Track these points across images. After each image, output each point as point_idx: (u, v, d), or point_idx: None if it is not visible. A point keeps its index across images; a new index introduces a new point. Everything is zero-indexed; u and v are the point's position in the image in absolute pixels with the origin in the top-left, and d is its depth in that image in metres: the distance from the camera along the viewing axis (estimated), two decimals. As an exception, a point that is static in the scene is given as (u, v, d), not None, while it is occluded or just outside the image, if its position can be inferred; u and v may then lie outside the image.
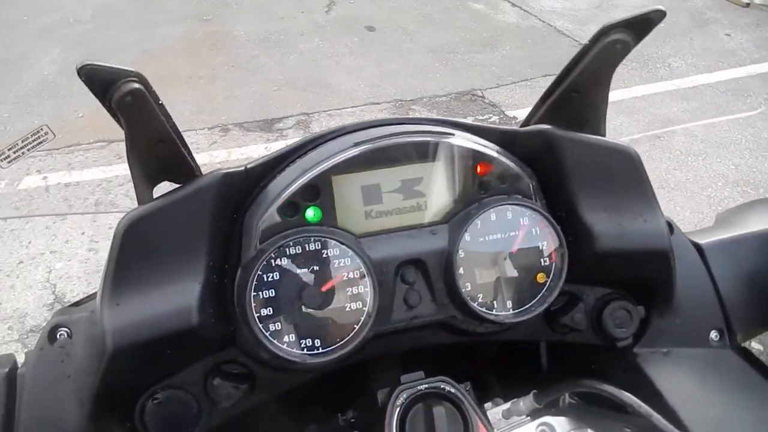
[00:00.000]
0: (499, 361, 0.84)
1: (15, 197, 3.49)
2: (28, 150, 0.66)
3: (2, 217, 3.31)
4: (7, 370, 0.63)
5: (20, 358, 0.67)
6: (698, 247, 0.78)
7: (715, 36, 5.43)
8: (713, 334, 0.76)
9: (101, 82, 0.53)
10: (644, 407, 0.55)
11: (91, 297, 0.71)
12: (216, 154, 3.79)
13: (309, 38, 5.32)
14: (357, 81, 4.67)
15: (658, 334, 0.74)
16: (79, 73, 0.52)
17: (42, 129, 0.66)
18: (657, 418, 0.54)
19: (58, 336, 0.64)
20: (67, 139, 3.91)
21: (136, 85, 0.53)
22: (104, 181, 3.61)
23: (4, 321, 2.69)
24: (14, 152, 0.65)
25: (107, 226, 3.27)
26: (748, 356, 0.77)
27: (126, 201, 3.46)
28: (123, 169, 3.64)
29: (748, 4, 5.92)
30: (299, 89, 4.54)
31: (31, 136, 0.66)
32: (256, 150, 3.84)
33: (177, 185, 0.64)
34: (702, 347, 0.75)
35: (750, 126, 4.15)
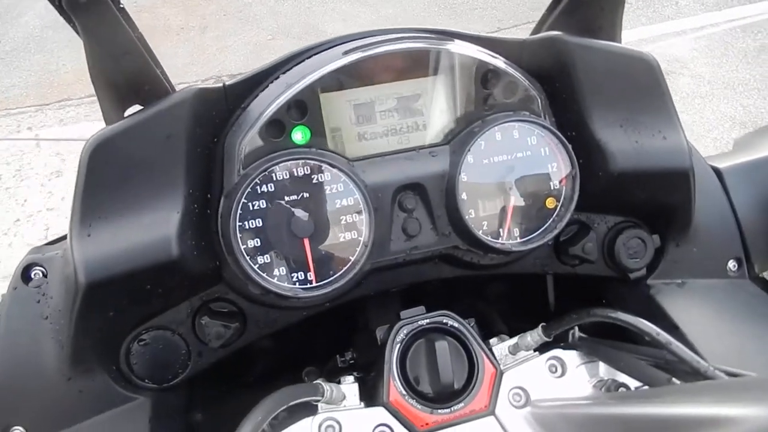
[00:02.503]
0: (505, 298, 0.80)
1: (6, 153, 3.43)
2: None
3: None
4: None
5: None
6: (717, 172, 0.73)
7: (725, -28, 5.21)
8: (731, 264, 0.72)
9: None
10: (663, 334, 0.51)
11: (65, 236, 0.66)
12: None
13: (303, -16, 5.14)
14: (353, 28, 4.47)
15: (673, 264, 0.70)
16: None
17: None
18: (677, 345, 0.50)
19: (32, 275, 0.60)
20: (57, 94, 3.82)
21: None
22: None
23: (5, 279, 2.68)
24: None
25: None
26: (767, 286, 0.73)
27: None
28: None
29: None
30: (294, 37, 4.41)
31: None
32: (251, 101, 3.74)
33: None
34: (719, 278, 0.71)
35: (759, 65, 4.03)
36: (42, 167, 3.32)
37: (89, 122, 3.64)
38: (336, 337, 0.74)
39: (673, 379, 0.50)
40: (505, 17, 4.64)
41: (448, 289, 0.76)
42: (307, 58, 0.60)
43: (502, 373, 0.56)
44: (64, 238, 0.65)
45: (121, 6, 0.51)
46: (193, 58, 4.22)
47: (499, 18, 4.62)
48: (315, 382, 0.54)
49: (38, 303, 0.58)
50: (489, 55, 0.61)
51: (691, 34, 4.38)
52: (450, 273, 0.67)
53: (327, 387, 0.54)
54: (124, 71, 0.54)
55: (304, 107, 0.58)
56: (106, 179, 0.54)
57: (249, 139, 0.57)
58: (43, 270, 0.60)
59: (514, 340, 0.61)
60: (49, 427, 0.52)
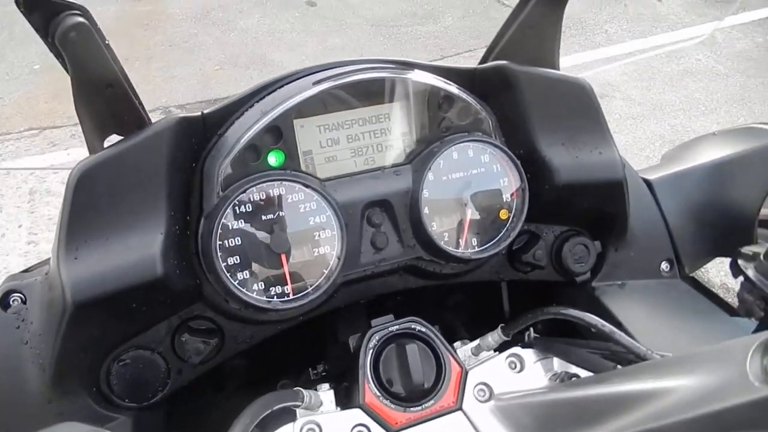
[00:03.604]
0: (465, 307, 0.86)
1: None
2: None
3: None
4: None
5: None
6: (648, 183, 0.81)
7: (647, 2, 5.59)
8: (664, 265, 0.80)
9: (42, 14, 0.50)
10: (607, 325, 0.58)
11: (42, 263, 0.67)
12: (159, 137, 3.66)
13: (248, 15, 5.18)
14: (300, 57, 4.59)
15: (613, 267, 0.77)
16: (17, 4, 0.48)
17: None
18: (619, 334, 0.56)
19: (11, 302, 0.61)
20: (-5, 128, 3.69)
21: (81, 19, 0.50)
22: (38, 170, 3.44)
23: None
24: None
25: (46, 218, 3.12)
26: (696, 284, 0.81)
27: (62, 188, 3.30)
28: (58, 156, 3.47)
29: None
30: (241, 67, 4.43)
31: None
32: (201, 131, 3.72)
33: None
34: (654, 278, 0.79)
35: (683, 88, 4.33)
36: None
37: (30, 156, 3.54)
38: (307, 350, 0.77)
39: (618, 366, 0.56)
40: (447, 45, 4.81)
41: (412, 300, 0.81)
42: (279, 87, 0.65)
43: (467, 372, 0.60)
44: (41, 264, 0.66)
45: (107, 42, 0.54)
46: (138, 89, 4.17)
47: (441, 47, 4.79)
48: (295, 388, 0.57)
49: (17, 329, 0.59)
50: (444, 82, 0.68)
51: (621, 60, 4.67)
52: (414, 283, 0.72)
53: (306, 393, 0.57)
54: (107, 102, 0.57)
55: (278, 133, 0.62)
56: (92, 205, 0.57)
57: (227, 163, 0.61)
58: (22, 296, 0.61)
59: (476, 342, 0.66)
60: None
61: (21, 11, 0.49)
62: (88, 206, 0.57)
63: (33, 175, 3.36)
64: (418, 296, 0.77)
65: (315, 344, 0.76)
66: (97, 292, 0.55)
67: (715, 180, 0.82)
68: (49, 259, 0.65)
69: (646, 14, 5.36)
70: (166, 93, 4.12)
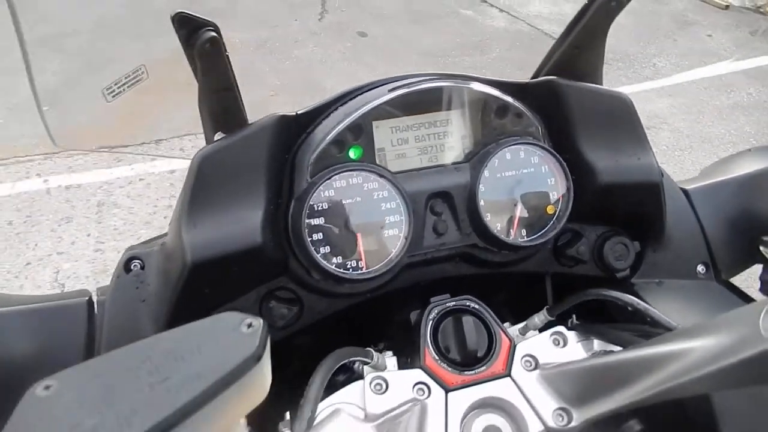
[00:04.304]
0: (511, 297, 0.93)
1: (16, 200, 3.55)
2: (127, 87, 0.74)
3: (7, 220, 3.37)
4: (86, 298, 0.72)
5: None
6: (685, 192, 0.88)
7: (697, 36, 5.60)
8: (700, 268, 0.86)
9: (188, 30, 0.62)
10: (642, 304, 0.65)
11: (156, 238, 0.79)
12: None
13: (303, 44, 5.43)
14: (352, 84, 4.77)
15: (651, 266, 0.84)
16: (173, 20, 0.61)
17: (139, 69, 0.75)
18: (653, 311, 0.64)
19: (132, 267, 0.73)
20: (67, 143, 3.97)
21: (214, 34, 0.62)
22: (105, 183, 3.68)
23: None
24: (117, 88, 0.74)
25: (112, 228, 3.33)
26: (731, 287, 0.87)
27: (128, 201, 3.52)
28: (123, 171, 3.71)
29: (727, 7, 6.11)
30: (296, 93, 4.62)
31: (132, 73, 0.75)
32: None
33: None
34: (690, 279, 0.85)
35: (733, 121, 4.31)
36: (52, 213, 3.44)
37: (98, 169, 3.79)
38: (370, 329, 0.86)
39: None
40: (494, 75, 4.88)
41: (465, 287, 0.89)
42: (360, 94, 0.76)
43: (515, 345, 0.68)
44: (155, 239, 0.78)
45: (227, 54, 0.66)
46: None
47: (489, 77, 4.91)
48: (366, 348, 0.67)
49: (137, 289, 0.71)
50: (499, 92, 0.77)
51: (669, 92, 4.68)
52: (467, 270, 0.81)
53: (374, 353, 0.66)
54: (222, 102, 0.70)
55: (359, 131, 0.73)
56: (208, 184, 0.68)
57: (315, 155, 0.72)
58: (141, 263, 0.73)
59: (524, 323, 0.75)
60: None
61: (174, 26, 0.61)
62: (205, 185, 0.68)
63: (101, 188, 3.60)
64: (471, 284, 0.85)
65: (377, 323, 0.85)
66: (210, 254, 0.66)
67: (750, 190, 0.88)
68: (161, 235, 0.77)
69: (695, 48, 5.37)
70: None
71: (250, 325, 0.37)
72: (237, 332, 0.36)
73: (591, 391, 0.60)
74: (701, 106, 4.51)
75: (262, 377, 0.36)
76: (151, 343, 0.36)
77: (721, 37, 5.55)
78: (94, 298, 0.73)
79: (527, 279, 0.86)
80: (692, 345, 0.51)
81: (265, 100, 4.57)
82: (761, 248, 0.73)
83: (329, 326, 0.80)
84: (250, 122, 0.74)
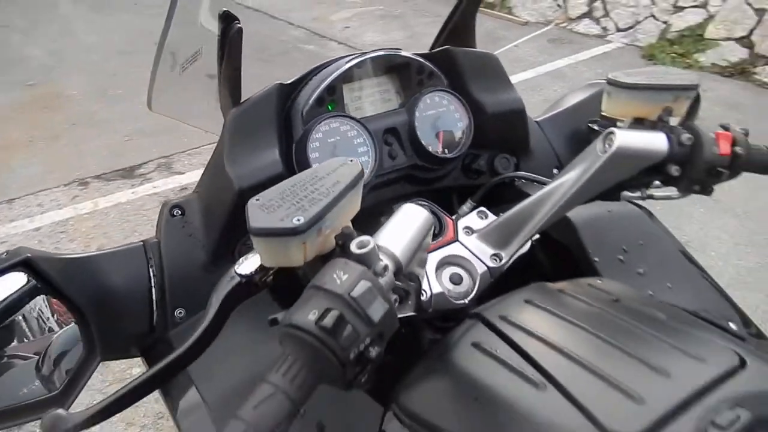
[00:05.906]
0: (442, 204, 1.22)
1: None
2: (190, 64, 0.97)
3: None
4: (141, 242, 0.90)
5: None
6: (537, 122, 1.23)
7: (508, 48, 6.51)
8: (554, 171, 1.19)
9: (227, 22, 0.83)
10: (528, 174, 0.95)
11: (190, 191, 0.97)
12: (81, 206, 3.69)
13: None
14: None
15: (525, 171, 1.16)
16: (220, 16, 0.82)
17: (198, 50, 0.95)
18: (533, 176, 0.94)
19: (174, 213, 0.92)
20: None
21: (240, 26, 0.84)
22: None
23: None
24: (185, 65, 0.98)
25: None
26: None
27: None
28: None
29: (526, 23, 7.18)
30: (151, 135, 4.57)
31: (193, 54, 0.94)
32: (123, 195, 3.84)
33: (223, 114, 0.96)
34: (550, 178, 1.18)
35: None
36: None
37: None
38: None
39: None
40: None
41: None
42: (330, 65, 1.01)
43: (456, 222, 0.94)
44: (189, 192, 0.96)
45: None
46: (50, 166, 4.20)
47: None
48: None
49: (183, 228, 0.91)
50: (419, 58, 1.07)
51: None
52: (411, 189, 1.07)
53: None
54: (235, 80, 0.92)
55: (333, 91, 0.98)
56: (239, 133, 0.90)
57: (306, 109, 0.96)
58: (181, 209, 0.92)
59: (457, 213, 1.01)
60: (200, 307, 0.73)
61: (220, 21, 0.81)
62: (238, 133, 0.90)
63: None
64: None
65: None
66: (249, 182, 0.86)
67: (577, 111, 1.25)
68: (186, 195, 0.97)
69: (507, 57, 6.21)
70: (80, 166, 4.18)
71: (351, 161, 0.62)
72: (345, 165, 0.62)
73: (508, 236, 0.87)
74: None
75: (359, 192, 0.61)
76: (300, 176, 0.61)
77: (525, 47, 6.49)
78: None
79: (448, 192, 1.13)
80: (560, 182, 0.81)
81: (120, 144, 4.48)
82: (589, 125, 1.07)
83: None
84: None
